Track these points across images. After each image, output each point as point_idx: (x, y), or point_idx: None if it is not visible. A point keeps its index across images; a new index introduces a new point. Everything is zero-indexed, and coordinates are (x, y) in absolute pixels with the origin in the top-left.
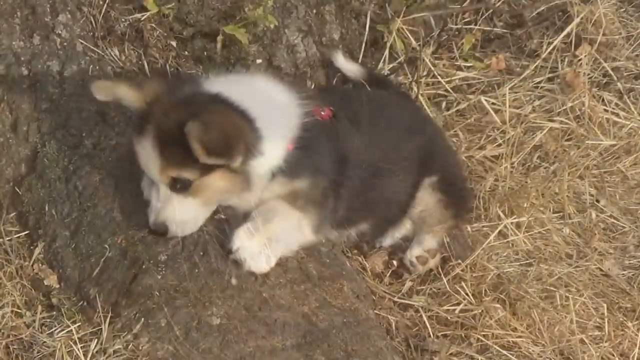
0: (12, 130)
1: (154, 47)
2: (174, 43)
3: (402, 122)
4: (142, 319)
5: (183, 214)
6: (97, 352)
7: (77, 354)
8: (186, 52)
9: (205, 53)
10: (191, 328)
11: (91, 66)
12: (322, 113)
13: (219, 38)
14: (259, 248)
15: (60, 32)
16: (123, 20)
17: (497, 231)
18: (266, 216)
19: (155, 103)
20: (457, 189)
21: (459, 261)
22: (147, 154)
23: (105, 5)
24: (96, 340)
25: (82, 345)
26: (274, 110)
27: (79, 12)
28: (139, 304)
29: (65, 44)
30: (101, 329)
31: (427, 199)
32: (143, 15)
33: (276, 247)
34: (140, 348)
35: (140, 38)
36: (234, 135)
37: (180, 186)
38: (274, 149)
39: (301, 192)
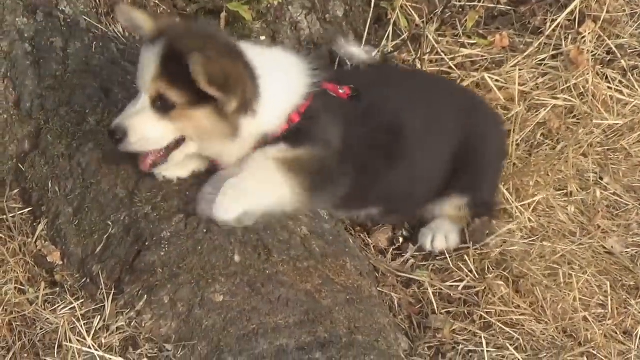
0: (15, 106)
1: None
2: (177, 20)
3: (442, 110)
4: (145, 295)
5: (151, 131)
6: (100, 329)
7: (80, 331)
8: None
9: None
10: (194, 305)
11: (94, 43)
12: (340, 91)
13: (223, 15)
14: (218, 194)
15: (63, 8)
16: None
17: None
18: (243, 168)
19: (170, 27)
20: (487, 205)
21: (470, 246)
22: (147, 62)
23: None
24: (99, 317)
25: (85, 322)
26: (279, 77)
27: None
28: (142, 280)
29: (68, 20)
30: (104, 305)
31: (453, 213)
32: None
33: (244, 198)
34: (143, 325)
35: None
36: (234, 77)
37: (161, 105)
38: (269, 114)
39: (297, 160)
